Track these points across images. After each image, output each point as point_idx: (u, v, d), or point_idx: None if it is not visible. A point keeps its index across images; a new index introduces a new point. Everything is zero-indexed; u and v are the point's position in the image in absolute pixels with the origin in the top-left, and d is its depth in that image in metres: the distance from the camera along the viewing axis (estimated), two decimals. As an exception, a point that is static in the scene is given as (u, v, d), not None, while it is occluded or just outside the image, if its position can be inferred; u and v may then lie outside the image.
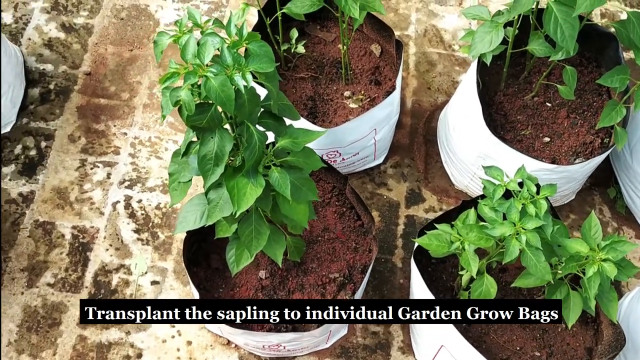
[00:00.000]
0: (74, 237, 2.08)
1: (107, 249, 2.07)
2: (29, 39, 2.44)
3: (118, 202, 2.15)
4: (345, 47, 1.97)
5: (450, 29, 2.57)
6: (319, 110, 2.07)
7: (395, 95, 1.99)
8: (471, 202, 1.75)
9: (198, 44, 1.20)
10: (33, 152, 2.22)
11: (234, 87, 1.16)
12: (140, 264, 2.05)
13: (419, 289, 1.69)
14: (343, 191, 1.92)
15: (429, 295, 1.63)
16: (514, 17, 1.81)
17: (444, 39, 2.54)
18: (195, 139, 1.34)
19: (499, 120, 2.05)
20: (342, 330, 1.97)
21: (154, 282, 2.02)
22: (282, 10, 1.86)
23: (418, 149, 2.32)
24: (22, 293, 1.99)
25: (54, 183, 2.17)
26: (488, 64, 1.80)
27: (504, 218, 1.43)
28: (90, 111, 2.31)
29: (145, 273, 2.04)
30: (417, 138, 2.33)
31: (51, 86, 2.35)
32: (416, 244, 1.71)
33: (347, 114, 2.07)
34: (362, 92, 2.10)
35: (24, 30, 2.46)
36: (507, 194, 1.48)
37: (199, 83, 1.17)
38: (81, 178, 2.18)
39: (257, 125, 1.31)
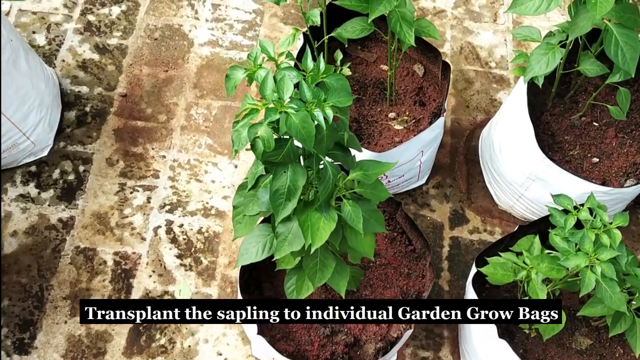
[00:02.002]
0: (116, 264, 2.05)
1: (150, 275, 2.04)
2: (63, 60, 2.42)
3: (159, 227, 2.12)
4: (392, 70, 1.95)
5: (486, 46, 2.55)
6: (364, 132, 2.05)
7: (443, 118, 1.96)
8: (529, 227, 1.73)
9: (274, 78, 1.17)
10: (71, 177, 2.19)
11: (314, 122, 1.13)
12: (184, 290, 2.02)
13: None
14: (393, 215, 1.90)
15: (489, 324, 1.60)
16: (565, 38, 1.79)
17: (480, 55, 2.52)
18: (264, 172, 1.31)
19: (546, 140, 2.02)
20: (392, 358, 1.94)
21: (199, 309, 2.00)
22: (331, 34, 1.83)
23: (459, 168, 2.29)
24: (66, 322, 1.96)
25: (94, 208, 2.14)
26: (540, 85, 1.78)
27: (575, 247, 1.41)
28: (128, 134, 2.28)
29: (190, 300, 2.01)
30: (458, 157, 2.31)
31: (87, 109, 2.32)
32: (474, 270, 1.68)
33: (392, 135, 2.04)
34: (407, 113, 2.08)
35: (57, 52, 2.43)
36: (577, 223, 1.45)
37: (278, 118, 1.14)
38: (121, 203, 2.15)
39: (327, 158, 1.28)
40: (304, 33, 1.93)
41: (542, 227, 1.72)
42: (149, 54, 2.45)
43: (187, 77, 2.41)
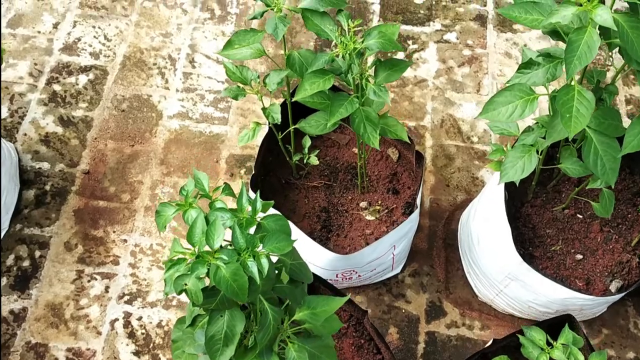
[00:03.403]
0: (69, 361, 1.93)
1: (105, 374, 1.92)
2: (25, 134, 2.31)
3: (117, 319, 1.99)
4: (362, 160, 1.84)
5: (468, 119, 2.43)
6: (334, 223, 1.93)
7: (417, 212, 1.84)
8: (504, 340, 1.60)
9: (206, 219, 1.05)
10: (26, 263, 2.07)
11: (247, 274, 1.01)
12: (140, 392, 1.90)
13: None
14: (361, 320, 1.77)
15: None
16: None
17: (462, 129, 2.41)
18: (201, 311, 1.19)
19: (527, 234, 1.90)
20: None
21: (154, 413, 1.87)
22: (295, 127, 1.73)
23: (438, 254, 2.17)
24: None
25: (48, 298, 2.02)
26: (517, 185, 1.67)
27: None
28: (89, 215, 2.17)
29: (146, 402, 1.88)
30: (437, 242, 2.19)
31: (47, 187, 2.21)
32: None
33: (363, 227, 1.93)
34: (380, 202, 1.96)
35: (19, 124, 2.33)
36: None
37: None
38: (77, 292, 2.03)
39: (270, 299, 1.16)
40: (269, 126, 1.82)
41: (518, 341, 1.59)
42: (115, 127, 2.35)
43: (154, 153, 2.30)
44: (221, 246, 1.02)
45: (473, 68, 2.55)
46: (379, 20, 2.65)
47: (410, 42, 2.61)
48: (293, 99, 1.50)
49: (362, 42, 1.46)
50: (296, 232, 1.74)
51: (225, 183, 1.22)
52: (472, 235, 1.99)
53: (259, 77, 1.61)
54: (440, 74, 2.54)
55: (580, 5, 1.23)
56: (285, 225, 1.08)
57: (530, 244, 1.89)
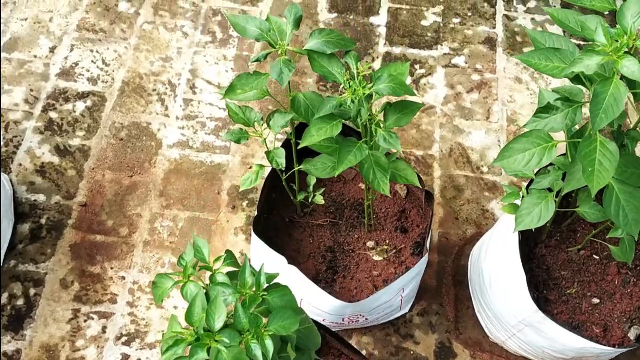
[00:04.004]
0: (64, 406, 1.85)
1: (101, 421, 1.84)
2: (20, 164, 2.24)
3: (114, 362, 1.92)
4: (370, 201, 1.76)
5: (478, 148, 2.36)
6: (340, 263, 1.86)
7: (427, 257, 1.77)
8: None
9: (207, 295, 0.98)
10: (21, 302, 2.00)
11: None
12: None
13: None
14: (369, 370, 1.70)
15: None
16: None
17: (471, 159, 2.33)
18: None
19: (541, 276, 1.82)
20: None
21: None
22: (300, 168, 1.65)
23: (447, 292, 2.09)
24: None
25: (43, 339, 1.94)
26: (533, 230, 1.59)
27: None
28: (85, 250, 2.09)
29: None
30: (446, 279, 2.11)
31: (43, 221, 2.14)
32: None
33: (370, 268, 1.85)
34: (387, 241, 1.89)
35: (14, 155, 2.25)
36: None
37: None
38: (73, 333, 1.96)
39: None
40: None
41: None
42: (114, 156, 2.27)
43: (154, 184, 2.22)
44: (225, 325, 0.94)
45: (482, 94, 2.48)
46: (385, 44, 2.57)
47: (417, 66, 2.53)
48: (299, 147, 1.43)
49: (372, 86, 1.38)
50: (302, 279, 1.67)
51: (227, 251, 1.14)
52: (484, 276, 1.91)
53: (262, 118, 1.54)
54: (449, 101, 2.46)
55: (606, 54, 1.16)
56: (291, 300, 1.01)
57: (544, 287, 1.81)
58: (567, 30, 1.35)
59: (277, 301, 1.00)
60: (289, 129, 1.62)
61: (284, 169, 1.53)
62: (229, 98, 1.37)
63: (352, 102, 1.37)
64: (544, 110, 1.38)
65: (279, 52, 1.41)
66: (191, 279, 1.02)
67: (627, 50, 1.13)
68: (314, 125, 1.40)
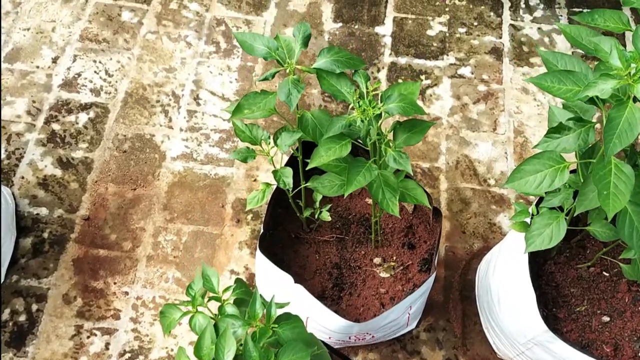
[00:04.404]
0: None
1: None
2: (22, 177, 2.22)
3: (117, 379, 1.90)
4: (376, 217, 1.74)
5: (485, 160, 2.33)
6: (346, 280, 1.83)
7: (434, 274, 1.75)
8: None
9: (215, 326, 0.96)
10: (23, 318, 1.98)
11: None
12: None
13: None
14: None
15: None
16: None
17: (478, 171, 2.31)
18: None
19: (550, 293, 1.80)
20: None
21: None
22: (307, 185, 1.63)
23: (454, 307, 2.07)
24: None
25: (46, 356, 1.92)
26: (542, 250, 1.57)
27: None
28: (88, 265, 2.07)
29: None
30: (453, 294, 2.09)
31: (45, 234, 2.12)
32: None
33: (377, 285, 1.83)
34: (394, 257, 1.87)
35: (16, 167, 2.23)
36: None
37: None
38: (76, 349, 1.93)
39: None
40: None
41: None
42: (117, 169, 2.25)
43: (157, 197, 2.20)
44: (234, 358, 0.92)
45: (489, 105, 2.45)
46: (390, 54, 2.55)
47: (423, 77, 2.51)
48: (307, 167, 1.40)
49: (382, 105, 1.36)
50: (308, 297, 1.64)
51: (237, 279, 1.11)
52: (492, 292, 1.89)
53: (270, 137, 1.51)
54: (455, 112, 2.44)
55: (621, 78, 1.13)
56: (302, 332, 0.98)
57: (554, 304, 1.79)
58: (580, 49, 1.33)
59: (288, 333, 0.98)
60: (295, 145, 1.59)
61: (290, 188, 1.51)
62: (235, 117, 1.35)
63: (362, 121, 1.35)
64: (556, 130, 1.36)
65: (287, 71, 1.38)
66: (199, 309, 1.00)
67: (643, 73, 1.11)
68: (322, 145, 1.38)
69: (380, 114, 1.37)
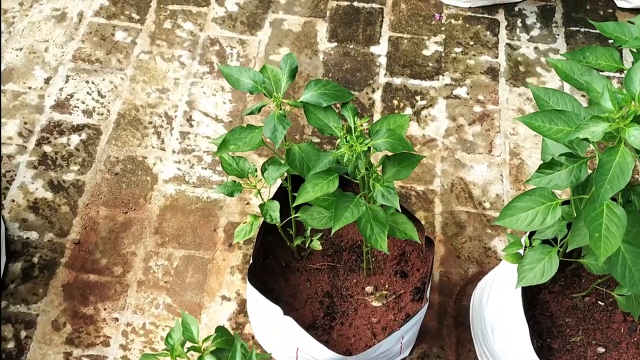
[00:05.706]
0: None
1: None
2: (13, 200, 2.20)
3: (106, 409, 1.88)
4: (367, 247, 1.72)
5: (480, 182, 2.31)
6: (337, 309, 1.81)
7: (427, 304, 1.72)
8: None
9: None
10: (11, 345, 1.95)
11: None
12: None
13: None
14: None
15: None
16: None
17: (473, 194, 2.29)
18: None
19: (544, 323, 1.78)
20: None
21: None
22: (296, 217, 1.61)
23: (448, 334, 2.04)
24: None
25: (34, 384, 1.90)
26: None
27: None
28: (78, 290, 2.05)
29: None
30: (447, 321, 2.06)
31: (35, 259, 2.10)
32: None
33: (369, 314, 1.80)
34: (387, 285, 1.84)
35: (7, 190, 2.21)
36: None
37: None
38: (65, 377, 1.91)
39: None
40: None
41: None
42: (108, 192, 2.23)
43: (148, 221, 2.18)
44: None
45: (484, 126, 2.43)
46: (385, 74, 2.53)
47: (418, 97, 2.49)
48: (294, 204, 1.38)
49: (369, 141, 1.34)
50: (298, 330, 1.62)
51: (219, 327, 1.09)
52: (486, 322, 1.86)
53: (256, 170, 1.49)
54: (450, 133, 2.41)
55: (613, 121, 1.11)
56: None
57: (548, 335, 1.76)
58: (572, 85, 1.31)
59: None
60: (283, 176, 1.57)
61: (277, 223, 1.49)
62: (221, 154, 1.33)
63: (349, 157, 1.33)
64: (547, 166, 1.33)
65: (274, 104, 1.36)
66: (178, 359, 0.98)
67: (635, 117, 1.08)
68: (309, 181, 1.36)
69: (369, 149, 1.35)
